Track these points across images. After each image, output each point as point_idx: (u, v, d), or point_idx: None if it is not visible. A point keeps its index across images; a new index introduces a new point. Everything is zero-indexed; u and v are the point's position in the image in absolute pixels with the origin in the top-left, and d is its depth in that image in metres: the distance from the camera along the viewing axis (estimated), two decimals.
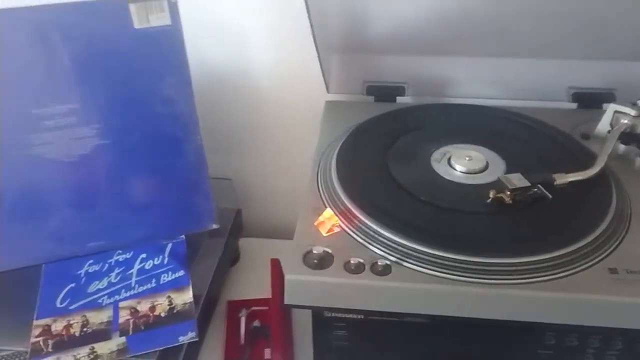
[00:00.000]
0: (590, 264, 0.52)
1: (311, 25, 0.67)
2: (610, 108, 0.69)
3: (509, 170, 0.63)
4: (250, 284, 0.85)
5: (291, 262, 0.53)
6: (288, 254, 0.55)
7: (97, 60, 0.66)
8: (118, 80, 0.67)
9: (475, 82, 0.79)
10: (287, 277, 0.53)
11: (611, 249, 0.54)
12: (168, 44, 0.67)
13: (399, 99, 0.80)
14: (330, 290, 0.53)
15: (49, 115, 0.66)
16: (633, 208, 0.59)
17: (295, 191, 0.99)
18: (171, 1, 0.65)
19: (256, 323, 0.77)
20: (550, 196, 0.57)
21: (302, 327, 0.74)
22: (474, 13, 0.70)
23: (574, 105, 0.78)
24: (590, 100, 0.77)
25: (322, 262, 0.53)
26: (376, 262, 0.53)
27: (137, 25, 0.65)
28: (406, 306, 0.53)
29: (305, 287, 0.53)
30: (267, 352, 0.72)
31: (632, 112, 0.67)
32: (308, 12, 0.65)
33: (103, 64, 0.66)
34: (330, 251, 0.54)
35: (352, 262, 0.53)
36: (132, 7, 0.64)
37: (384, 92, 0.80)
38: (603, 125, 0.69)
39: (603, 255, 0.53)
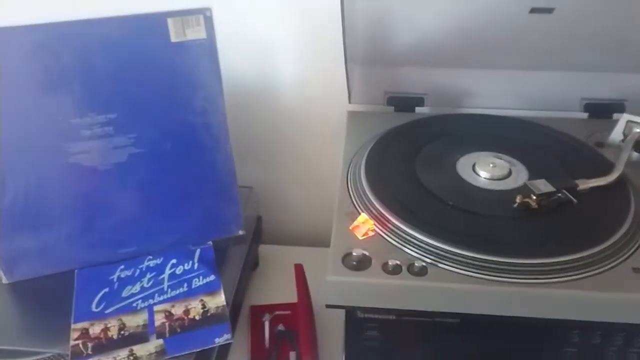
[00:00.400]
0: (615, 263, 0.55)
1: (344, 39, 0.69)
2: (623, 118, 0.72)
3: (531, 177, 0.65)
4: (270, 289, 0.87)
5: (332, 264, 0.55)
6: (328, 257, 0.56)
7: (135, 72, 0.68)
8: (154, 91, 0.69)
9: (492, 93, 0.82)
10: (328, 278, 0.54)
11: (633, 249, 0.57)
12: (203, 57, 0.68)
13: (418, 109, 0.83)
14: (369, 291, 0.55)
15: (87, 124, 0.68)
16: None
17: (312, 199, 1.01)
18: (207, 15, 0.66)
19: (280, 327, 0.78)
20: (576, 201, 0.60)
21: (326, 330, 0.76)
22: (491, 27, 0.73)
23: (585, 115, 0.81)
24: (601, 111, 0.80)
25: (361, 264, 0.55)
26: (413, 264, 0.55)
27: (174, 38, 0.67)
28: (442, 305, 0.55)
29: (345, 288, 0.55)
30: (292, 356, 0.74)
31: None
32: (343, 26, 0.67)
33: (140, 75, 0.68)
34: (367, 254, 0.56)
35: (390, 263, 0.55)
36: (170, 22, 0.66)
37: (404, 103, 0.83)
38: (616, 134, 0.73)
39: (626, 256, 0.56)
